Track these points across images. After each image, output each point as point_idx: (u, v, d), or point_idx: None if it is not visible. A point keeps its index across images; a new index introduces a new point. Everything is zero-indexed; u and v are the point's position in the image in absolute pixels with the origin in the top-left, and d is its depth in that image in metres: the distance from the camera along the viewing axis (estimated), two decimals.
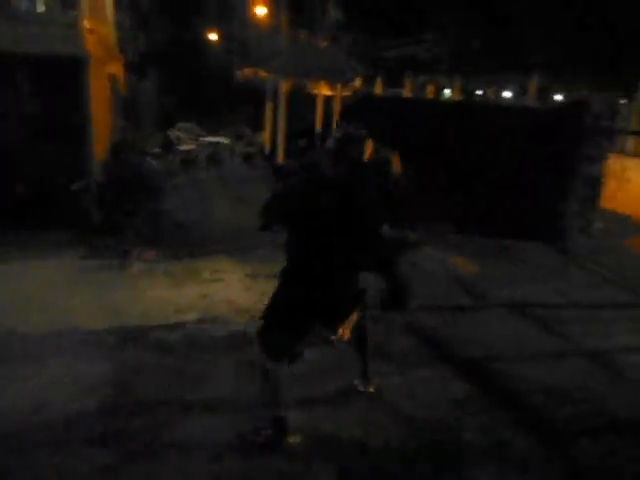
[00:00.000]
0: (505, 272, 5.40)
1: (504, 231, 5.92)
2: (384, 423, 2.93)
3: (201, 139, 11.12)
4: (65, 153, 5.97)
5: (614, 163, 5.56)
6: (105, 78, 7.48)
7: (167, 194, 6.63)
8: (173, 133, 10.93)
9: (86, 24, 6.22)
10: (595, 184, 5.52)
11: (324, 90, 12.09)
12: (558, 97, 17.14)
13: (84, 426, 2.71)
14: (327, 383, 3.28)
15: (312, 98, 12.11)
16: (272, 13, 20.91)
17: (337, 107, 11.34)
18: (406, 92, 15.05)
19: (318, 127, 11.65)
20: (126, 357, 3.40)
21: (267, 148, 11.70)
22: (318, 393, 3.18)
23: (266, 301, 4.05)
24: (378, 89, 14.17)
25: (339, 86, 11.57)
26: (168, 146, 10.44)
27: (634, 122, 11.52)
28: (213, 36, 22.88)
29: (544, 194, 5.65)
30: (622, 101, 13.48)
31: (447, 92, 18.27)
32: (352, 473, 2.57)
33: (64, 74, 5.93)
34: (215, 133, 11.78)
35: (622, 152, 5.74)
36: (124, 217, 5.61)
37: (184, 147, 10.84)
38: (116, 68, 8.69)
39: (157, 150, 8.37)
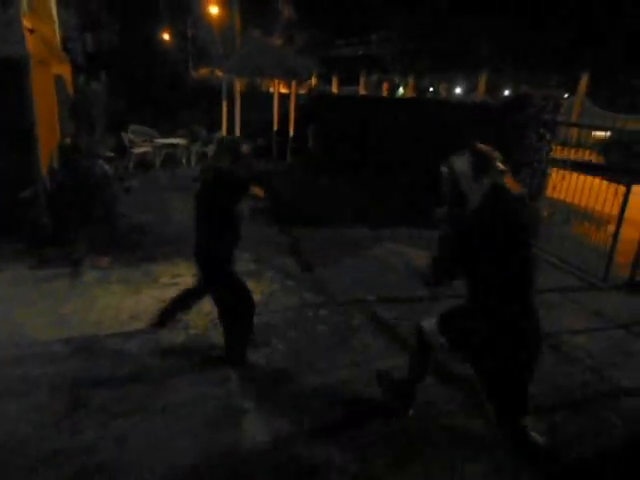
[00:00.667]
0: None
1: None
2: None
3: (156, 141, 10.85)
4: (10, 160, 5.71)
5: (558, 154, 5.82)
6: (50, 80, 7.19)
7: (121, 198, 6.47)
8: (126, 136, 10.62)
9: (26, 23, 5.96)
10: (540, 174, 5.78)
11: (280, 88, 12.07)
12: (506, 92, 17.80)
13: (34, 445, 2.63)
14: None
15: (268, 96, 12.07)
16: (225, 12, 20.69)
17: (293, 105, 11.34)
18: (361, 90, 15.22)
19: (275, 125, 11.62)
20: (81, 368, 3.30)
21: None
22: None
23: None
24: (334, 87, 14.26)
25: (294, 84, 11.57)
26: (121, 149, 10.15)
27: (575, 115, 12.11)
28: (166, 36, 22.40)
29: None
30: (565, 95, 14.18)
31: (401, 90, 18.64)
32: None
33: (3, 76, 5.66)
34: (170, 134, 11.53)
35: (565, 144, 6.00)
36: (75, 224, 5.42)
37: (138, 149, 10.56)
38: (62, 69, 8.37)
39: (109, 153, 8.11)
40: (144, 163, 10.55)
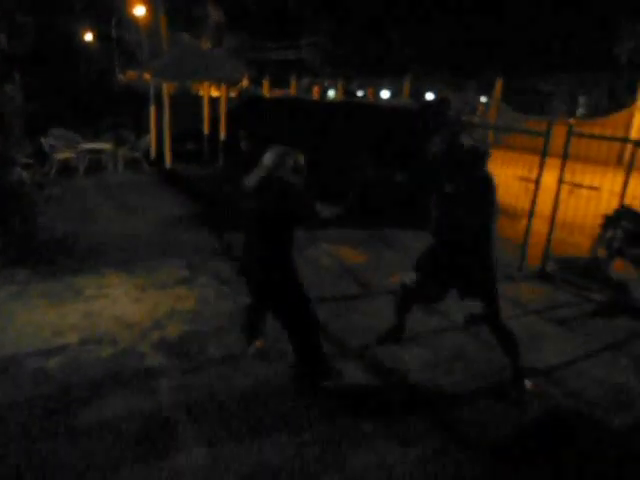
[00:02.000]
0: (389, 260, 5.77)
1: (382, 221, 6.37)
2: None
3: (80, 146, 10.32)
4: None
5: None
6: None
7: (42, 207, 6.10)
8: (47, 141, 10.01)
9: None
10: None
11: (210, 91, 11.90)
12: (429, 96, 18.69)
13: None
14: None
15: (198, 100, 11.86)
16: (151, 14, 20.04)
17: (224, 108, 11.21)
18: (292, 93, 15.34)
19: (206, 129, 11.44)
20: None
21: (153, 153, 11.23)
22: None
23: (159, 313, 3.95)
24: (265, 90, 14.26)
25: (225, 87, 11.45)
26: (41, 155, 9.56)
27: (492, 116, 12.96)
28: (89, 37, 21.34)
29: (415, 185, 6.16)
30: (482, 99, 15.17)
31: (331, 93, 18.96)
32: None
33: None
34: (96, 139, 11.01)
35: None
36: None
37: (60, 155, 9.99)
38: None
39: (27, 159, 7.62)
40: (67, 169, 10.01)
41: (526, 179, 5.27)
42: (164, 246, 5.88)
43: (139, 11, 19.99)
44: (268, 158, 3.12)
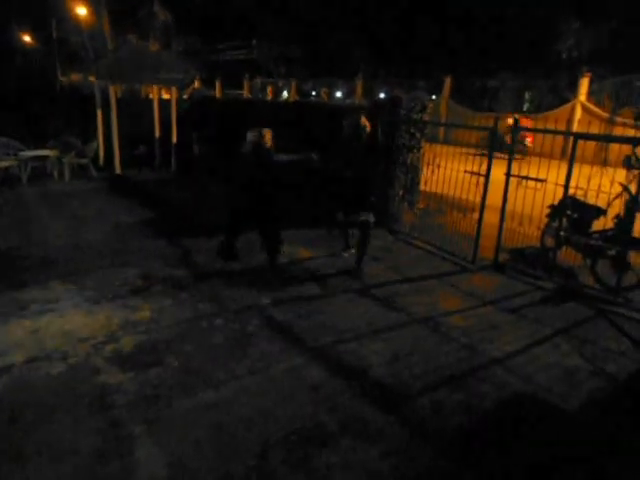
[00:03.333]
0: (346, 259, 5.80)
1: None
2: (245, 425, 2.96)
3: (21, 154, 9.80)
4: None
5: (428, 151, 6.33)
6: None
7: None
8: None
9: None
10: (414, 170, 6.24)
11: (161, 94, 11.59)
12: (382, 95, 18.99)
13: None
14: None
15: (148, 102, 11.53)
16: (94, 14, 19.34)
17: (175, 110, 10.95)
18: (245, 93, 15.18)
19: (157, 133, 11.14)
20: None
21: (101, 158, 10.82)
22: None
23: (112, 325, 3.80)
24: (217, 91, 14.05)
25: (175, 89, 11.19)
26: None
27: (442, 114, 13.31)
28: (27, 38, 20.37)
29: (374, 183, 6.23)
30: (432, 97, 15.57)
31: (285, 93, 18.89)
32: None
33: None
34: (39, 146, 10.49)
35: (434, 141, 6.53)
36: None
37: (0, 164, 9.47)
38: None
39: None
40: (8, 179, 9.50)
41: (476, 173, 5.42)
42: (116, 255, 5.67)
43: (80, 11, 19.26)
44: (252, 135, 5.07)
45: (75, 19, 19.71)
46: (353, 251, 5.63)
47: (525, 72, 18.37)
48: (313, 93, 19.63)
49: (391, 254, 6.07)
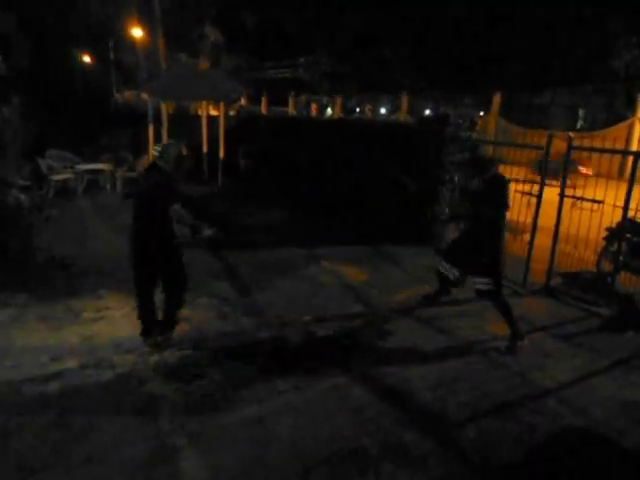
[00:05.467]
0: (391, 277, 5.71)
1: (384, 238, 6.34)
2: (285, 438, 2.93)
3: (77, 167, 10.31)
4: None
5: None
6: None
7: (40, 229, 6.04)
8: (44, 162, 10.00)
9: None
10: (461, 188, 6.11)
11: (209, 110, 11.96)
12: (427, 112, 18.85)
13: None
14: None
15: (197, 119, 11.91)
16: (149, 35, 20.29)
17: (223, 126, 11.25)
18: (290, 110, 15.45)
19: (205, 148, 11.46)
20: None
21: None
22: None
23: (159, 336, 3.86)
24: (263, 108, 14.36)
25: (223, 106, 11.51)
26: (39, 176, 9.54)
27: (490, 132, 13.02)
28: (87, 58, 21.58)
29: (417, 200, 6.15)
30: (481, 113, 15.32)
31: (329, 110, 19.09)
32: None
33: None
34: (93, 160, 11.01)
35: None
36: None
37: (58, 176, 9.98)
38: None
39: (24, 182, 7.59)
40: (65, 190, 9.99)
41: (528, 193, 5.24)
42: None
43: (137, 33, 20.26)
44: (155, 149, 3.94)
45: (131, 40, 20.75)
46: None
47: (578, 88, 17.75)
48: (357, 110, 19.75)
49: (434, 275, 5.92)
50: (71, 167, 10.29)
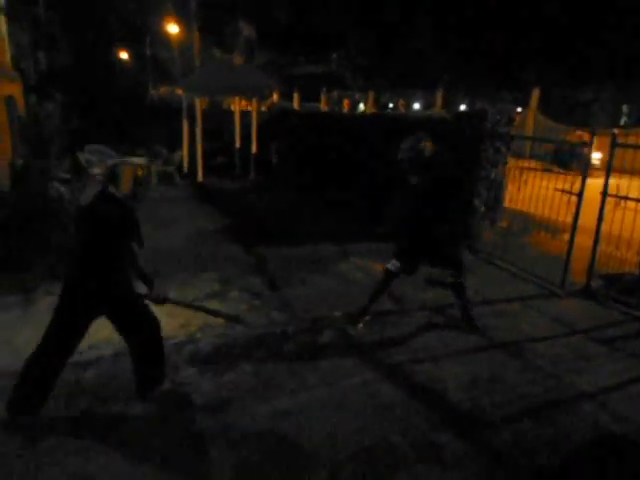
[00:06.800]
0: (425, 275, 5.61)
1: None
2: (314, 436, 2.93)
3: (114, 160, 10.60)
4: None
5: (514, 166, 6.02)
6: None
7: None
8: (83, 156, 10.29)
9: None
10: (497, 186, 5.97)
11: (241, 106, 12.07)
12: (462, 107, 18.47)
13: None
14: None
15: (230, 114, 12.04)
16: (184, 31, 20.64)
17: (255, 122, 11.34)
18: (322, 106, 15.43)
19: (237, 143, 11.58)
20: None
21: (185, 166, 11.43)
22: None
23: (191, 326, 3.94)
24: (295, 104, 14.40)
25: (256, 101, 11.60)
26: (78, 170, 9.84)
27: (528, 128, 12.67)
28: (124, 55, 22.12)
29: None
30: (518, 109, 14.93)
31: (361, 106, 18.96)
32: None
33: None
34: (129, 154, 11.28)
35: (520, 156, 6.23)
36: (30, 249, 5.18)
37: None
38: (12, 89, 8.11)
39: (65, 175, 7.84)
40: None
41: (568, 192, 5.06)
42: (196, 260, 5.91)
43: (172, 29, 20.63)
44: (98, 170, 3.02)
45: (166, 36, 21.16)
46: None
47: (624, 83, 16.97)
48: (390, 105, 19.54)
49: (470, 273, 5.80)
50: (108, 161, 10.56)
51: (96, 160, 10.47)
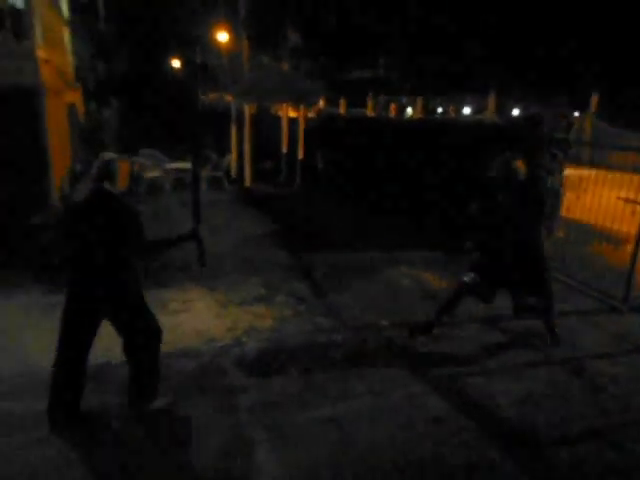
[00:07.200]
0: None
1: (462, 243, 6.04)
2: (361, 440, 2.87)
3: (166, 165, 10.94)
4: (22, 185, 5.77)
5: (571, 173, 5.74)
6: (63, 108, 7.33)
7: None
8: (137, 160, 10.71)
9: (41, 54, 6.10)
10: (554, 194, 5.69)
11: (289, 112, 12.20)
12: (516, 112, 17.87)
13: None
14: None
15: (277, 120, 12.20)
16: (233, 39, 21.14)
17: (302, 128, 11.42)
18: (369, 111, 15.36)
19: (284, 149, 11.70)
20: (92, 397, 3.24)
21: (233, 172, 11.65)
22: None
23: (238, 329, 3.98)
24: (342, 109, 14.40)
25: (303, 107, 11.68)
26: (132, 174, 10.24)
27: (587, 134, 12.07)
28: (176, 63, 22.91)
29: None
30: (576, 114, 14.24)
31: (409, 111, 18.75)
32: None
33: (20, 105, 5.77)
34: (180, 159, 11.63)
35: (578, 162, 5.93)
36: None
37: (149, 174, 10.65)
38: (74, 97, 8.54)
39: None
40: (155, 188, 10.62)
41: (633, 201, 4.77)
42: (243, 264, 5.99)
43: (222, 37, 21.18)
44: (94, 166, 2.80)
45: (216, 44, 21.74)
46: None
47: None
48: (439, 110, 19.21)
49: None
50: (161, 166, 10.93)
51: (149, 165, 10.89)
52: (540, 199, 4.08)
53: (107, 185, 2.80)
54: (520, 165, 3.88)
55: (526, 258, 3.97)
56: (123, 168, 2.88)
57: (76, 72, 10.26)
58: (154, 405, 3.09)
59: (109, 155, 2.88)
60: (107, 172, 2.80)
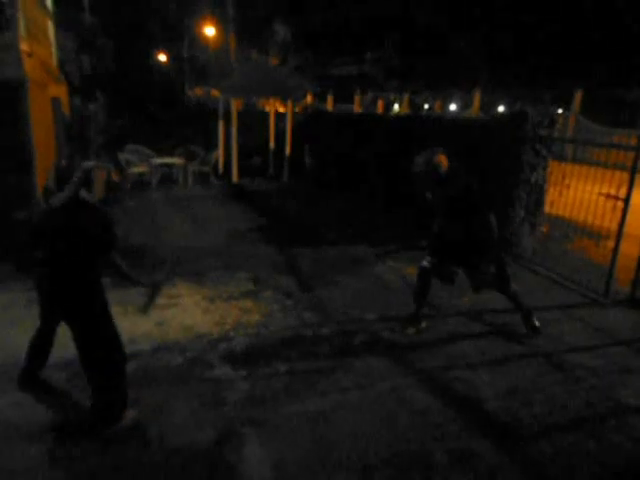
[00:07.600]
0: (461, 281, 5.51)
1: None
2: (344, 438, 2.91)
3: (152, 160, 10.86)
4: (5, 180, 5.68)
5: (554, 170, 5.83)
6: (47, 101, 7.22)
7: (118, 219, 6.42)
8: (122, 156, 10.62)
9: (24, 46, 6.00)
10: (538, 190, 5.78)
11: (276, 107, 12.17)
12: (501, 108, 18.02)
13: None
14: None
15: (264, 115, 12.17)
16: (221, 33, 20.99)
17: (289, 123, 11.40)
18: (356, 107, 15.39)
19: (271, 144, 11.68)
20: (75, 394, 3.23)
21: (221, 167, 11.60)
22: None
23: (226, 324, 3.99)
24: (329, 105, 14.42)
25: (290, 103, 11.66)
26: (118, 169, 10.15)
27: (570, 130, 12.27)
28: (162, 57, 22.70)
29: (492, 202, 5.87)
30: (559, 111, 14.44)
31: (396, 107, 18.83)
32: None
33: (2, 98, 5.66)
34: (167, 154, 11.54)
35: (561, 159, 6.02)
36: None
37: (135, 169, 10.56)
38: (59, 91, 8.42)
39: None
40: (141, 183, 10.54)
41: (614, 197, 4.86)
42: (231, 259, 5.98)
43: (209, 32, 21.02)
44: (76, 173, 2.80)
45: (203, 38, 21.58)
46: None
47: None
48: (426, 106, 19.31)
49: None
50: (147, 161, 10.85)
51: (135, 160, 10.80)
52: (459, 198, 3.91)
53: (84, 193, 2.78)
54: (442, 159, 3.87)
55: (468, 244, 4.01)
56: (101, 176, 2.86)
57: (60, 66, 10.11)
58: (117, 428, 2.90)
59: (88, 164, 2.87)
60: (86, 180, 2.79)
